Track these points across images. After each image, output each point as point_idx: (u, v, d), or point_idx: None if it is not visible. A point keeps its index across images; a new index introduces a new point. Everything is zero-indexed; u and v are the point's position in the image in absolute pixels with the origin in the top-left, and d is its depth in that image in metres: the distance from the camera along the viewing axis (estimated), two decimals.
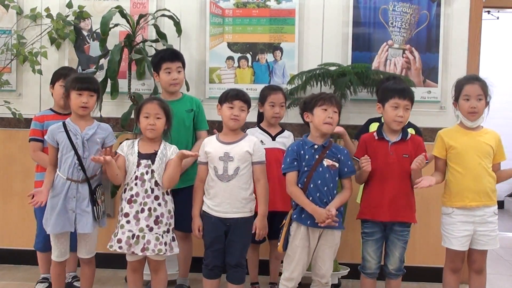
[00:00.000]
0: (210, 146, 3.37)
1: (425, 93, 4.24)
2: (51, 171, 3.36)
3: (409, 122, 3.71)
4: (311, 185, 3.19)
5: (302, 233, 3.21)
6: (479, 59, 4.26)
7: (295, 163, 3.23)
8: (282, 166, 3.28)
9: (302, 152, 3.24)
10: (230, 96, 3.35)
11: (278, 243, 3.28)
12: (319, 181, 3.19)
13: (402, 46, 4.25)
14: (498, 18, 6.87)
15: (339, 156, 3.25)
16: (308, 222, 3.18)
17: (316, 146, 3.23)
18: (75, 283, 3.88)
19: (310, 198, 3.17)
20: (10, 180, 4.49)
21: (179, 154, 3.25)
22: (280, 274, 3.44)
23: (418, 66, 4.24)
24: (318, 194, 3.19)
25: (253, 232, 3.32)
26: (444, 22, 4.21)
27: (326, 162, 3.21)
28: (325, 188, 3.19)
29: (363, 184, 3.40)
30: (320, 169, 3.20)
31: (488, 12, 6.48)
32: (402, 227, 3.29)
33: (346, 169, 3.26)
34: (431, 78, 4.24)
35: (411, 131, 3.62)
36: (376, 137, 3.31)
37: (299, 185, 3.22)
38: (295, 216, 3.23)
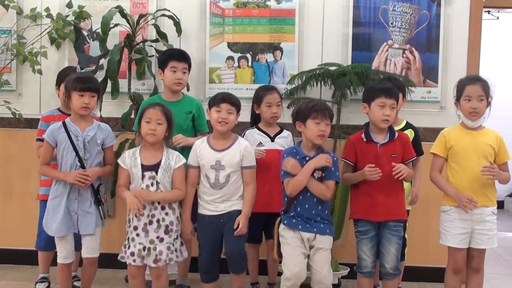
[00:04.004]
0: (201, 153, 3.37)
1: (425, 93, 4.24)
2: (48, 167, 3.37)
3: (407, 123, 3.72)
4: (300, 197, 3.21)
5: (294, 236, 3.22)
6: (479, 59, 4.26)
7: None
8: (282, 173, 3.26)
9: None
10: (217, 100, 3.37)
11: (273, 251, 3.32)
12: (308, 194, 3.21)
13: (402, 46, 4.24)
14: (498, 18, 6.87)
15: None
16: (300, 227, 3.20)
17: (307, 158, 3.23)
18: (75, 283, 3.87)
19: (299, 209, 3.20)
20: (10, 180, 4.48)
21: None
22: (279, 274, 3.44)
23: (418, 66, 4.24)
24: (307, 206, 3.21)
25: (234, 228, 3.28)
26: (444, 22, 4.21)
27: (317, 174, 3.21)
28: (315, 200, 3.21)
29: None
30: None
31: (488, 12, 6.48)
32: (396, 222, 3.29)
33: (329, 175, 3.23)
34: (431, 78, 4.24)
35: (410, 132, 3.63)
36: (364, 139, 3.32)
37: (289, 193, 3.22)
38: (286, 221, 3.24)
